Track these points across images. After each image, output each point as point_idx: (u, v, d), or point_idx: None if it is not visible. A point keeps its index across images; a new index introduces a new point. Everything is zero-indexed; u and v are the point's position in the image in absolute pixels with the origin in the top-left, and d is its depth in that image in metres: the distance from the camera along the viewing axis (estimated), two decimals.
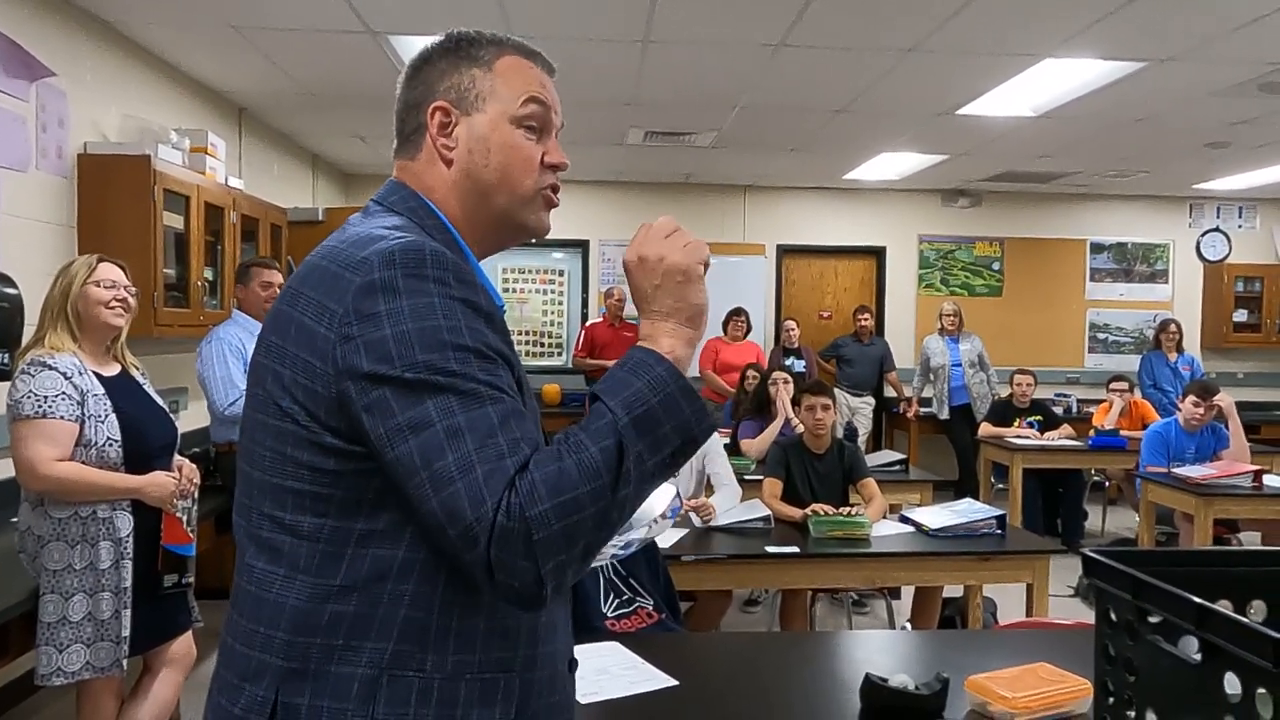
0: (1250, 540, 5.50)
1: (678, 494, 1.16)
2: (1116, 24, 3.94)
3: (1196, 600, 0.97)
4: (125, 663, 2.58)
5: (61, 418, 2.46)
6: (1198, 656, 0.98)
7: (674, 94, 5.23)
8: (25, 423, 2.45)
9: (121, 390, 2.64)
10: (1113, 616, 1.14)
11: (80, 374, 2.53)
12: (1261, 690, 0.88)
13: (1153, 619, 1.08)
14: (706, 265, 1.06)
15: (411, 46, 4.40)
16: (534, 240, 1.43)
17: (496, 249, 1.20)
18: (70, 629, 2.50)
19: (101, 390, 2.57)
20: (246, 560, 1.06)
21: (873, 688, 1.84)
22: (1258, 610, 1.14)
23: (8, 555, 2.71)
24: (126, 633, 2.56)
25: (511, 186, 1.13)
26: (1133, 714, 1.10)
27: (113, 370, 2.68)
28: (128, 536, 2.57)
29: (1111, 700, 1.15)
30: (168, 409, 2.83)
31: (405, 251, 0.99)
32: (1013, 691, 1.80)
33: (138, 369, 2.78)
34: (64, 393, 2.47)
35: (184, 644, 2.82)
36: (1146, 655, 1.07)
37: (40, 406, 2.44)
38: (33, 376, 2.47)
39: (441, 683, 1.00)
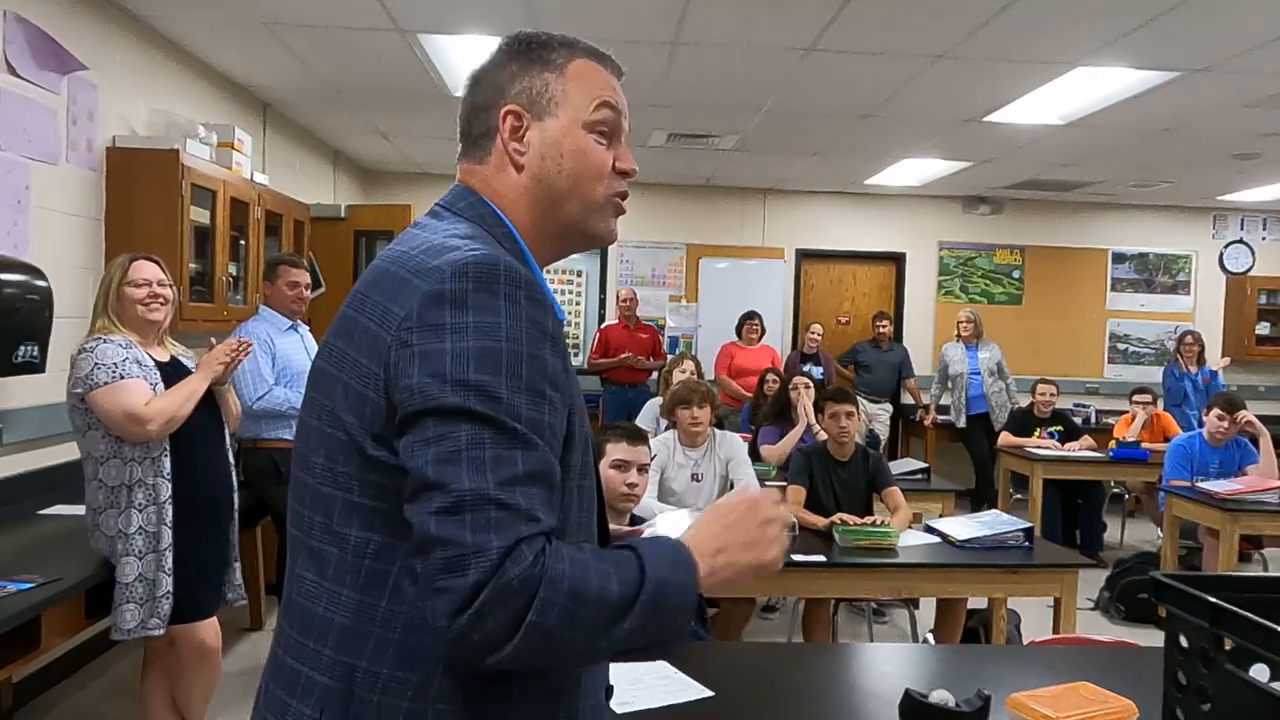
0: (1274, 556, 5.45)
1: None
2: (1152, 34, 3.90)
3: None
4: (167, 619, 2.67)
5: (135, 377, 2.60)
6: None
7: (700, 96, 5.21)
8: (105, 389, 2.55)
9: (173, 374, 2.75)
10: (1183, 642, 1.12)
11: (132, 348, 2.66)
12: None
13: (1227, 647, 1.05)
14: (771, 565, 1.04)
15: (440, 46, 4.41)
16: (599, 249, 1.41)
17: (558, 257, 1.17)
18: (146, 585, 2.62)
19: (151, 363, 2.70)
20: (297, 570, 1.04)
21: (913, 704, 1.81)
22: None
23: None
24: (168, 590, 2.66)
25: (583, 193, 1.10)
26: None
27: (164, 357, 2.80)
28: (166, 501, 2.66)
29: None
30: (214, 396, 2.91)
31: (479, 264, 0.95)
32: (1056, 711, 1.77)
33: (188, 357, 2.90)
34: (128, 358, 2.61)
35: (212, 628, 2.86)
36: (1223, 684, 1.04)
37: (114, 372, 2.56)
38: (92, 351, 2.59)
39: (489, 717, 0.97)
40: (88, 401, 2.57)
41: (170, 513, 2.65)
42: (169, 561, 2.64)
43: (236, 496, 2.97)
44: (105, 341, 2.61)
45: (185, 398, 2.69)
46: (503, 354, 0.92)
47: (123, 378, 2.57)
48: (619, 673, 1.99)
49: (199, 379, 2.77)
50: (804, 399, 5.19)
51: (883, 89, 4.93)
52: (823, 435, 4.27)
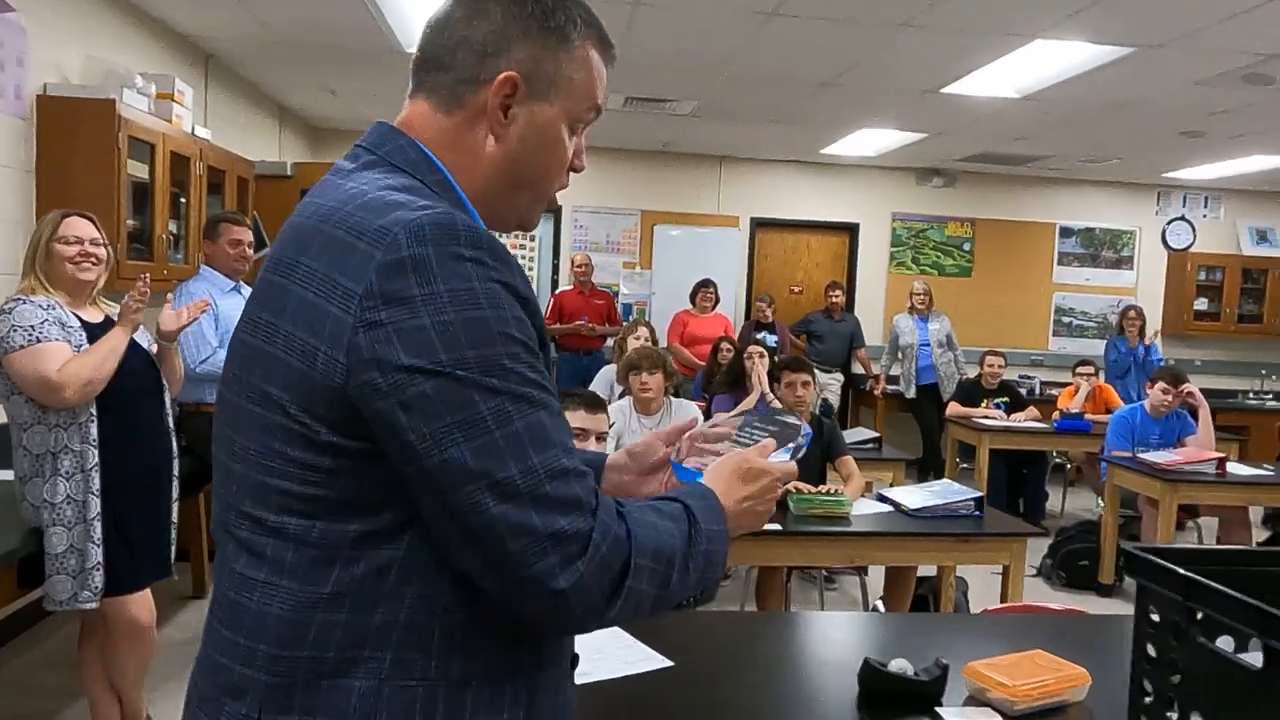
0: (1208, 525, 5.63)
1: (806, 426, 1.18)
2: (1111, 7, 3.91)
3: (1260, 605, 0.94)
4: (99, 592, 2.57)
5: (55, 339, 2.46)
6: (1255, 660, 0.96)
7: (660, 59, 5.12)
8: (20, 352, 2.42)
9: (105, 334, 2.61)
10: (1154, 616, 1.12)
11: (54, 309, 2.52)
12: None
13: (1199, 620, 1.05)
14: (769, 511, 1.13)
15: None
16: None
17: None
18: (76, 556, 2.52)
19: (77, 324, 2.56)
20: (225, 561, 0.96)
21: (872, 672, 1.81)
22: None
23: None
24: (98, 561, 2.55)
25: (541, 187, 1.05)
26: (1174, 715, 1.07)
27: (97, 318, 2.66)
28: (93, 469, 2.54)
29: (1149, 700, 1.12)
30: (151, 353, 2.79)
31: (436, 225, 0.87)
32: (1012, 679, 1.78)
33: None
34: (48, 320, 2.48)
35: (145, 602, 2.75)
36: (1193, 657, 1.04)
37: (31, 335, 2.43)
38: (10, 313, 2.45)
39: (447, 690, 0.92)
40: (4, 366, 2.44)
41: (98, 481, 2.53)
42: (98, 531, 2.52)
43: (176, 464, 2.86)
44: (25, 302, 2.47)
45: (104, 356, 2.51)
46: (490, 322, 0.86)
47: (40, 340, 2.42)
48: (581, 642, 1.97)
49: (118, 334, 2.57)
50: (758, 368, 5.19)
51: (844, 57, 4.89)
52: (777, 404, 4.27)
